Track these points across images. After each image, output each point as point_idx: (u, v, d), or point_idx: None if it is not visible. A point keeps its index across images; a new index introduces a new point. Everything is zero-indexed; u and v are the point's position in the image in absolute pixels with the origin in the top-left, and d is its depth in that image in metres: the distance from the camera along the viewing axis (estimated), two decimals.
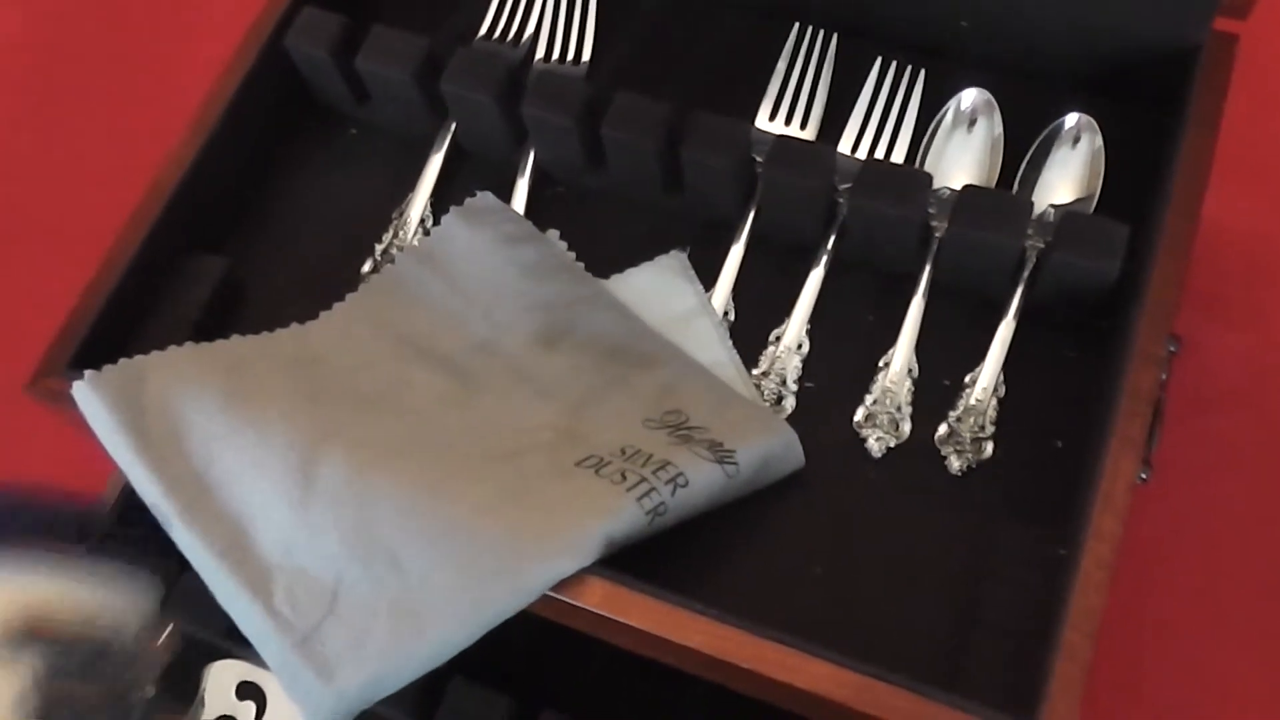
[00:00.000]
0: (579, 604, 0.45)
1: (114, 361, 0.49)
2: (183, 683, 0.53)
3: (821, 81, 0.59)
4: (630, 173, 0.57)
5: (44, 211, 0.75)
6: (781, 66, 0.59)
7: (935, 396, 0.53)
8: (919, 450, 0.52)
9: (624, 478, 0.46)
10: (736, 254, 0.56)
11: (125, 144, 0.72)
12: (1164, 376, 0.48)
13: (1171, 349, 0.49)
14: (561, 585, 0.45)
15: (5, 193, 0.76)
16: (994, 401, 0.52)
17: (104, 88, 0.79)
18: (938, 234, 0.54)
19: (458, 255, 0.55)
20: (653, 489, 0.46)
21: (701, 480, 0.47)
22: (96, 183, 0.72)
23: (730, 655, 0.44)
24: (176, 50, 0.78)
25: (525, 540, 0.45)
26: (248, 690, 0.52)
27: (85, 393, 0.47)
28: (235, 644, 0.51)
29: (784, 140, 0.54)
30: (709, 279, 0.56)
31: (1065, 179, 0.55)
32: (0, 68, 0.81)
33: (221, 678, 0.52)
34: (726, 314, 0.55)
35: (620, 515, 0.45)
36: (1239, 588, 0.58)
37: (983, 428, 0.51)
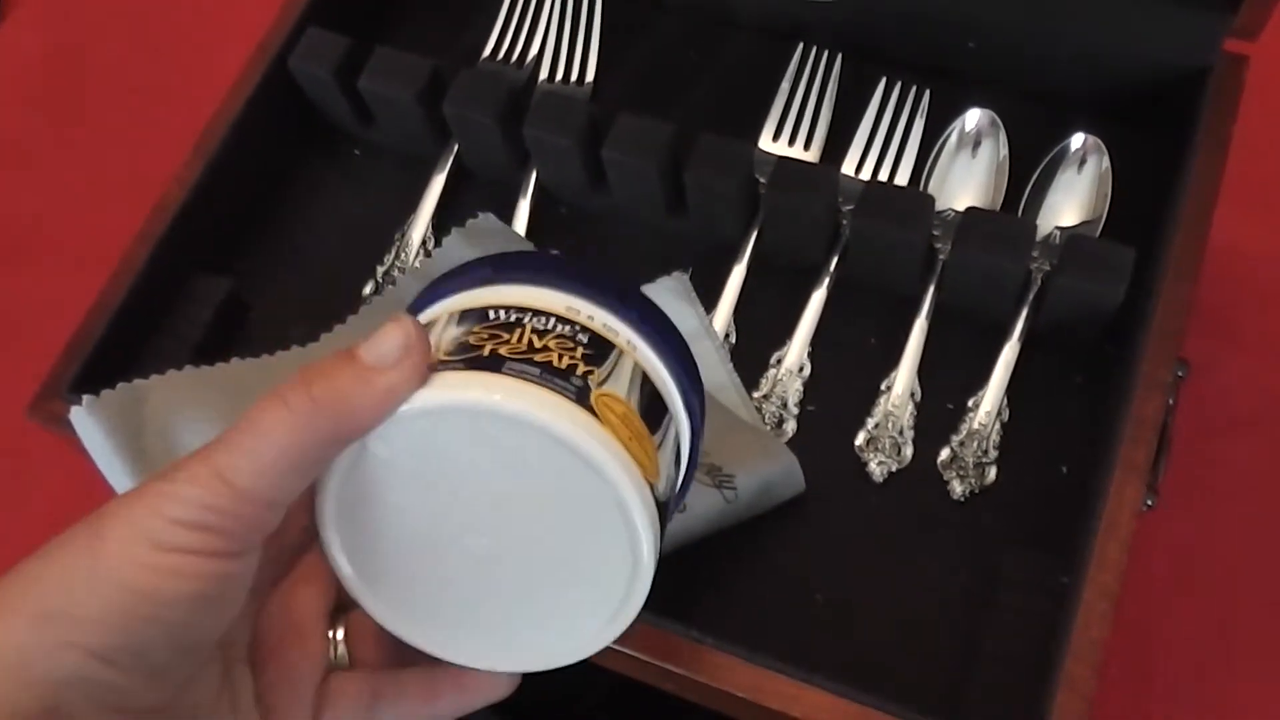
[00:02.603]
0: None
1: (115, 384, 0.49)
2: None
3: (825, 102, 0.59)
4: (632, 194, 0.56)
5: (62, 230, 0.76)
6: (785, 87, 0.59)
7: (938, 420, 0.52)
8: (921, 475, 0.51)
9: None
10: (738, 276, 0.56)
11: (143, 162, 0.72)
12: (1171, 402, 0.48)
13: (1179, 374, 0.49)
14: None
15: (24, 211, 0.77)
16: (997, 426, 0.51)
17: (123, 106, 0.79)
18: (941, 256, 0.53)
19: None
20: None
21: (700, 505, 0.47)
22: (114, 201, 0.72)
23: (727, 683, 0.44)
24: (196, 70, 0.78)
25: None
26: None
27: (83, 418, 0.47)
28: None
29: (787, 161, 0.54)
30: (711, 301, 0.55)
31: (1071, 201, 0.54)
32: (20, 86, 0.81)
33: None
34: (728, 336, 0.55)
35: None
36: (1247, 616, 0.57)
37: (986, 452, 0.51)
